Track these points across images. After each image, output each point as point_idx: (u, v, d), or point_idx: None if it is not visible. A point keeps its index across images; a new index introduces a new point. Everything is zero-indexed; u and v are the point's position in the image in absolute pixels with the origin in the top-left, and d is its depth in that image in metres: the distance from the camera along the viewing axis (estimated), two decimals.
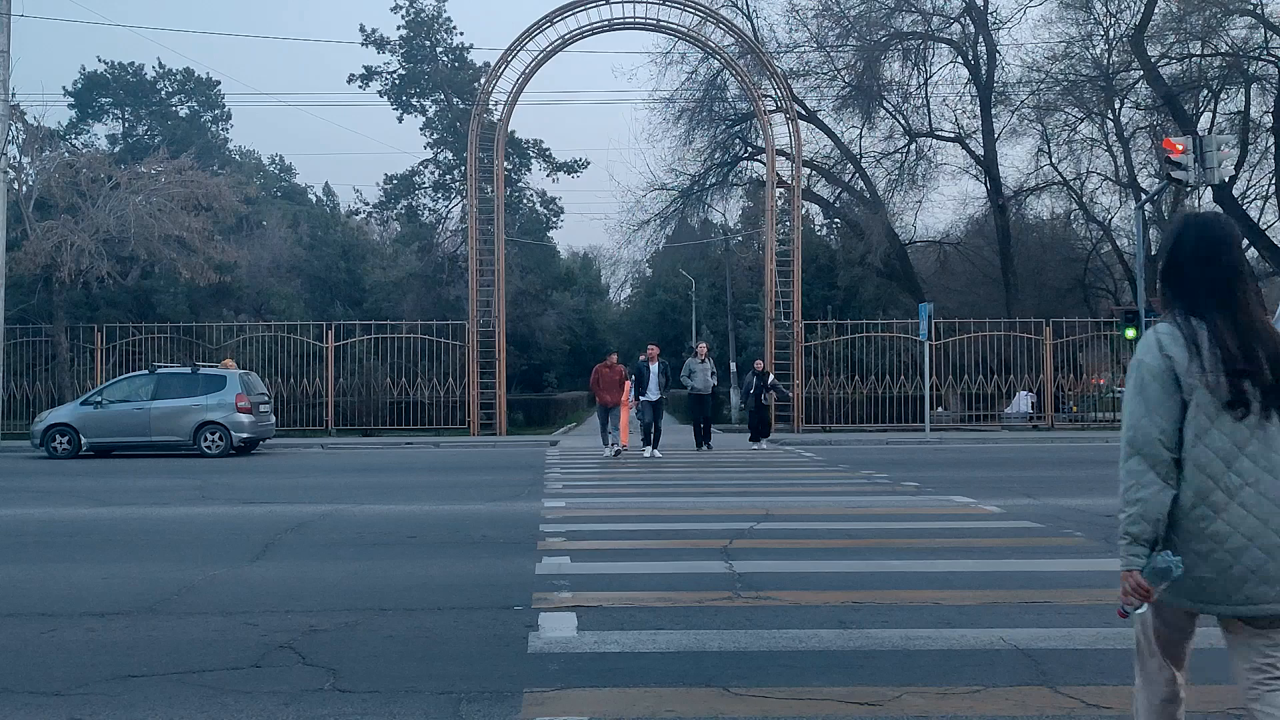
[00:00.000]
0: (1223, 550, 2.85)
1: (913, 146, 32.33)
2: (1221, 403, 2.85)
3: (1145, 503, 2.88)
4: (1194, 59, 28.70)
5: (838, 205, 35.58)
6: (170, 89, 52.34)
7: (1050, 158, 33.19)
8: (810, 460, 17.31)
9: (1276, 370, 2.86)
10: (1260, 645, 2.90)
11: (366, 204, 46.46)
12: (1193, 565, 2.86)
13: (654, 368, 18.46)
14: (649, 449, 18.22)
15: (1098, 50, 30.42)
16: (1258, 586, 2.82)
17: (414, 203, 43.83)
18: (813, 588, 6.71)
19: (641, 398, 18.45)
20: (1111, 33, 30.26)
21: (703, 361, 19.59)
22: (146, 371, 20.87)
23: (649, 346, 19.70)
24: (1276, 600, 2.82)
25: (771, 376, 21.58)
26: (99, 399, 19.91)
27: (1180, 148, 20.67)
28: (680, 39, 29.08)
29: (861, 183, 33.24)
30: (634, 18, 26.71)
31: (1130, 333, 22.63)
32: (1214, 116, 30.23)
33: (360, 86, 42.19)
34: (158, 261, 29.56)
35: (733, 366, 38.06)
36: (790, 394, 25.03)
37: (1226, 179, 25.46)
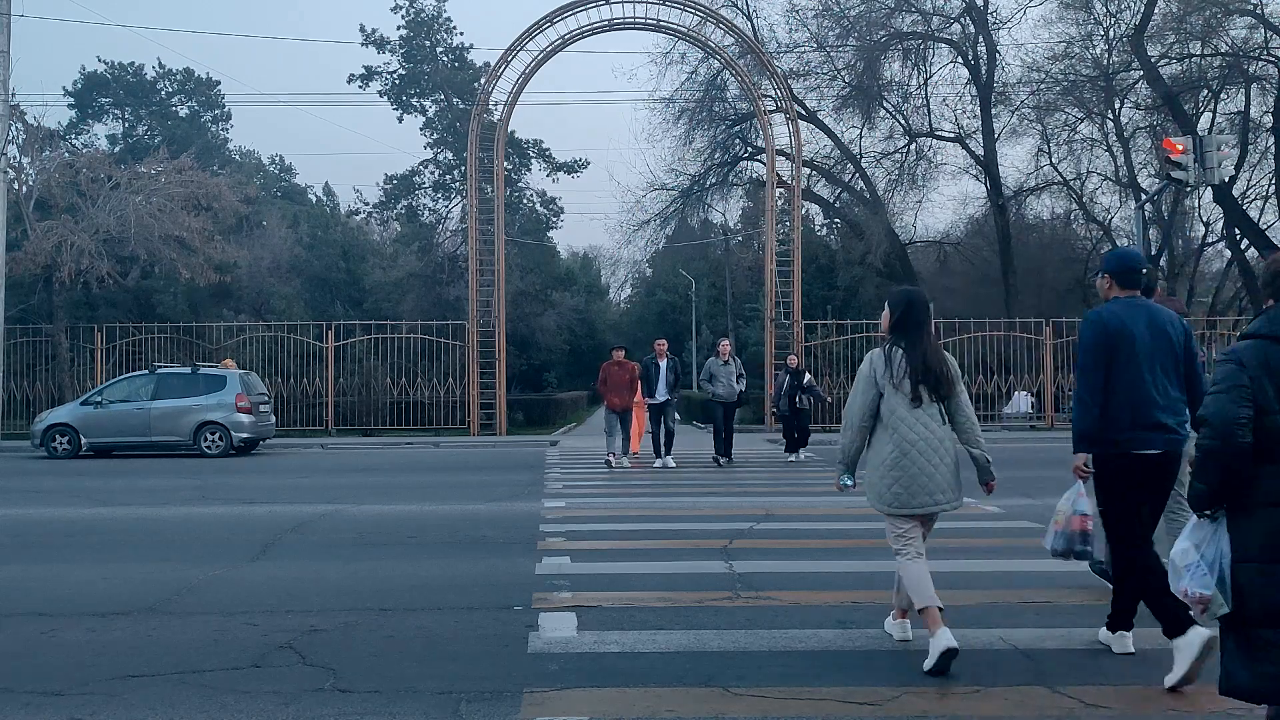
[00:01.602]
0: (907, 477, 5.11)
1: (913, 146, 32.33)
2: (905, 396, 5.12)
3: (846, 446, 5.33)
4: (1194, 59, 28.68)
5: (838, 205, 35.60)
6: (170, 89, 52.39)
7: (1050, 158, 33.21)
8: (810, 460, 17.30)
9: (939, 380, 5.14)
10: (924, 531, 5.30)
11: (366, 204, 46.54)
12: (894, 483, 5.14)
13: (663, 365, 16.25)
14: (659, 458, 16.10)
15: (1098, 50, 30.43)
16: (924, 497, 5.13)
17: (414, 203, 43.85)
18: (813, 588, 6.72)
19: (649, 400, 16.36)
20: (1111, 33, 30.27)
21: (726, 363, 16.25)
22: (146, 371, 20.84)
23: (656, 342, 17.00)
24: (933, 505, 5.15)
25: (808, 376, 18.23)
26: (99, 399, 19.90)
27: (1180, 148, 20.65)
28: (680, 39, 29.07)
29: (861, 183, 33.24)
30: (634, 18, 26.70)
31: None
32: (1214, 116, 30.22)
33: (360, 86, 42.27)
34: (158, 261, 29.60)
35: None
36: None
37: (1226, 179, 25.43)
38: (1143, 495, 4.99)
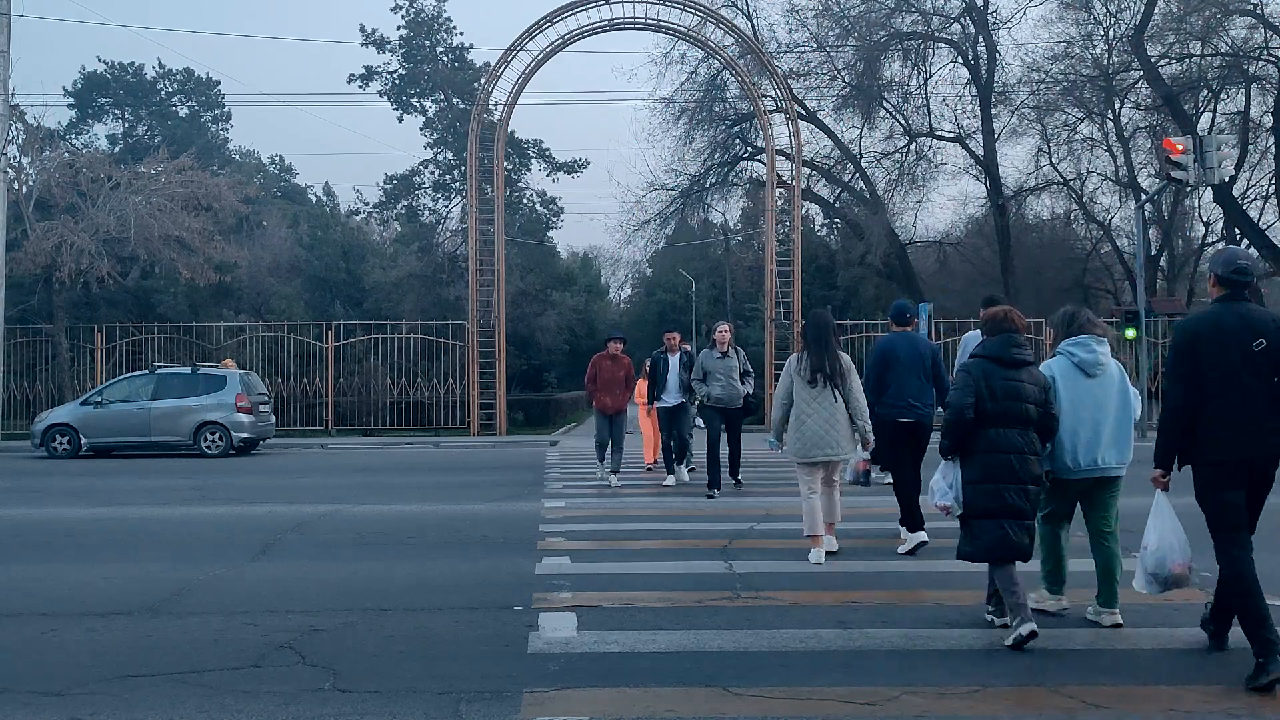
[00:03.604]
0: (806, 436, 7.64)
1: (913, 146, 32.30)
2: (805, 381, 7.66)
3: (777, 418, 7.92)
4: (1194, 59, 28.67)
5: (838, 205, 35.58)
6: (170, 89, 52.32)
7: (1050, 158, 33.20)
8: None
9: (831, 372, 7.63)
10: (822, 475, 7.78)
11: (366, 204, 46.47)
12: (797, 441, 7.67)
13: (674, 361, 13.15)
14: (670, 474, 13.39)
15: (1098, 50, 30.43)
16: (816, 450, 7.64)
17: (414, 203, 43.80)
18: (812, 588, 6.72)
19: (656, 403, 13.50)
20: (1111, 33, 30.26)
21: (724, 355, 11.95)
22: (146, 371, 20.83)
23: (667, 335, 13.85)
24: (823, 456, 7.65)
25: None
26: (99, 399, 19.89)
27: (1180, 148, 20.66)
28: (680, 39, 29.06)
29: (861, 183, 33.22)
30: (634, 18, 26.70)
31: (1130, 333, 22.55)
32: (1214, 116, 30.21)
33: (360, 86, 42.19)
34: (158, 261, 29.56)
35: None
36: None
37: (1226, 179, 25.43)
38: (903, 447, 8.27)
